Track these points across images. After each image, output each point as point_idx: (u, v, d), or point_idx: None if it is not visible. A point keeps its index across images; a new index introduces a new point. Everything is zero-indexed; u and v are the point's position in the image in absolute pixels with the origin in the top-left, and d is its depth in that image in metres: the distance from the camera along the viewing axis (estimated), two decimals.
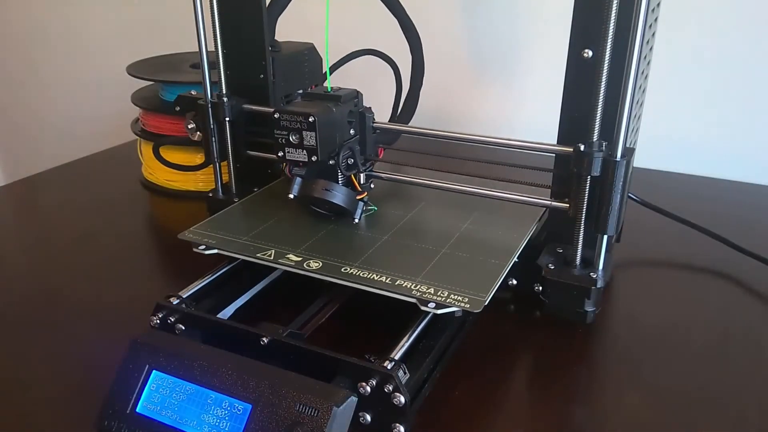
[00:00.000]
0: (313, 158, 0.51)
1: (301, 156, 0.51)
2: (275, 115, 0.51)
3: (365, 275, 0.46)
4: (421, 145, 0.59)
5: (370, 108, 0.55)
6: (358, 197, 0.54)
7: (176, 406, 0.39)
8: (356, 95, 0.54)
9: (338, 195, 0.53)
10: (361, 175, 0.56)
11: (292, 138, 0.50)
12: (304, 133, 0.50)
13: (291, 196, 0.53)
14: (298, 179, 0.53)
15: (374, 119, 0.56)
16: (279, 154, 0.52)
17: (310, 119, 0.49)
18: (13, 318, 0.54)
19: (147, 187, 0.81)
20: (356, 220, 0.54)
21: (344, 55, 0.74)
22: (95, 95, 1.31)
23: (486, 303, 0.43)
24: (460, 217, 0.56)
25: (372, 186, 0.58)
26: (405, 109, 0.69)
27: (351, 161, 0.54)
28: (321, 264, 0.48)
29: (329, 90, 0.54)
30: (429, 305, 0.43)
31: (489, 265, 0.48)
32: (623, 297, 0.56)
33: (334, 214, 0.55)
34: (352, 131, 0.54)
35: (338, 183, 0.54)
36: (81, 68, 1.31)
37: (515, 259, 0.50)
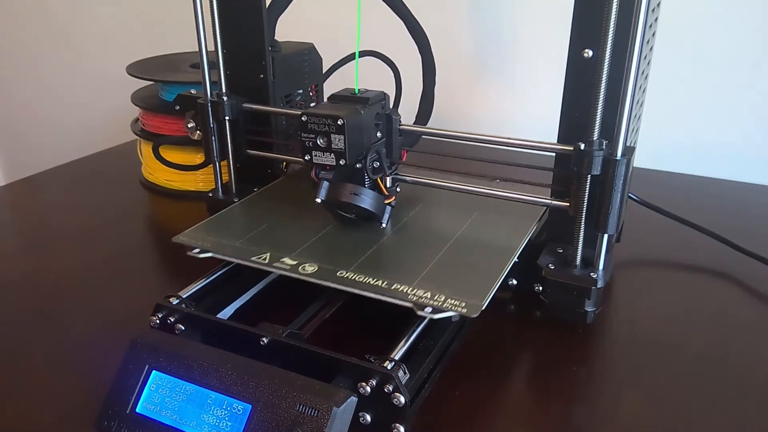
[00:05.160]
0: (341, 162, 0.50)
1: (328, 159, 0.50)
2: (303, 118, 0.50)
3: (361, 279, 0.46)
4: (423, 145, 0.59)
5: (396, 110, 0.54)
6: (386, 201, 0.53)
7: (176, 406, 0.39)
8: (383, 97, 0.53)
9: (366, 199, 0.52)
10: (387, 178, 0.55)
11: (320, 141, 0.50)
12: (332, 136, 0.49)
13: (318, 200, 0.52)
14: (325, 183, 0.52)
15: (400, 121, 0.55)
16: (306, 158, 0.51)
17: (339, 122, 0.49)
18: (13, 318, 0.54)
19: (147, 187, 0.81)
20: (383, 225, 0.53)
21: (345, 55, 0.73)
22: (95, 95, 1.31)
23: (483, 308, 0.42)
24: (460, 217, 0.56)
25: (398, 189, 0.57)
26: (421, 111, 0.68)
27: (377, 164, 0.53)
28: (316, 268, 0.48)
29: (356, 92, 0.53)
30: (425, 310, 0.42)
31: (487, 268, 0.48)
32: (623, 297, 0.56)
33: (361, 218, 0.54)
34: (378, 134, 0.53)
35: (365, 187, 0.53)
36: (81, 68, 1.31)
37: (515, 259, 0.49)
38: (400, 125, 0.54)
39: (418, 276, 0.46)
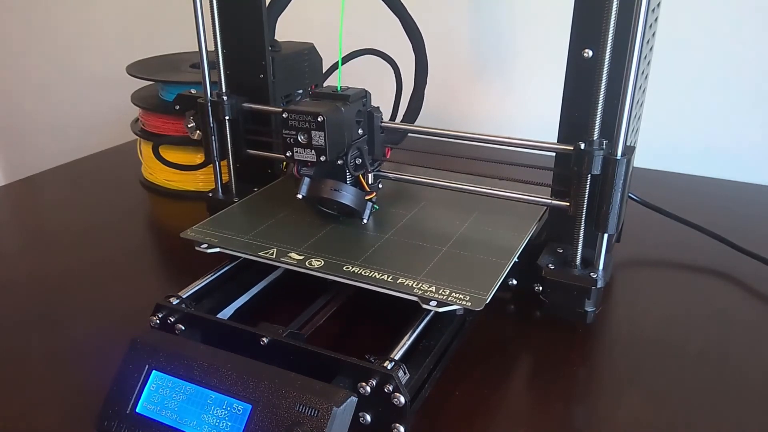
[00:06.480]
0: (322, 158, 0.50)
1: (309, 156, 0.51)
2: (284, 115, 0.50)
3: (367, 273, 0.46)
4: (422, 144, 0.59)
5: (378, 108, 0.55)
6: (367, 197, 0.54)
7: (176, 406, 0.39)
8: (364, 94, 0.54)
9: (347, 195, 0.52)
10: (369, 175, 0.55)
11: (301, 138, 0.50)
12: (312, 132, 0.50)
13: (299, 196, 0.53)
14: (307, 179, 0.53)
15: (382, 119, 0.55)
16: (287, 154, 0.51)
17: (319, 119, 0.49)
18: (13, 318, 0.54)
19: (147, 187, 0.81)
20: (364, 221, 0.54)
21: (344, 54, 0.73)
22: (95, 95, 1.31)
23: (488, 301, 0.43)
24: (461, 216, 0.56)
25: (380, 186, 0.57)
26: (410, 109, 0.68)
27: (359, 161, 0.53)
28: (323, 262, 0.48)
29: (338, 89, 0.53)
30: (430, 303, 0.43)
31: (490, 264, 0.48)
32: (623, 297, 0.56)
33: (342, 214, 0.55)
34: (360, 131, 0.54)
35: (346, 183, 0.53)
36: (81, 68, 1.31)
37: (516, 258, 0.50)
38: (381, 122, 0.55)
39: (423, 271, 0.47)
